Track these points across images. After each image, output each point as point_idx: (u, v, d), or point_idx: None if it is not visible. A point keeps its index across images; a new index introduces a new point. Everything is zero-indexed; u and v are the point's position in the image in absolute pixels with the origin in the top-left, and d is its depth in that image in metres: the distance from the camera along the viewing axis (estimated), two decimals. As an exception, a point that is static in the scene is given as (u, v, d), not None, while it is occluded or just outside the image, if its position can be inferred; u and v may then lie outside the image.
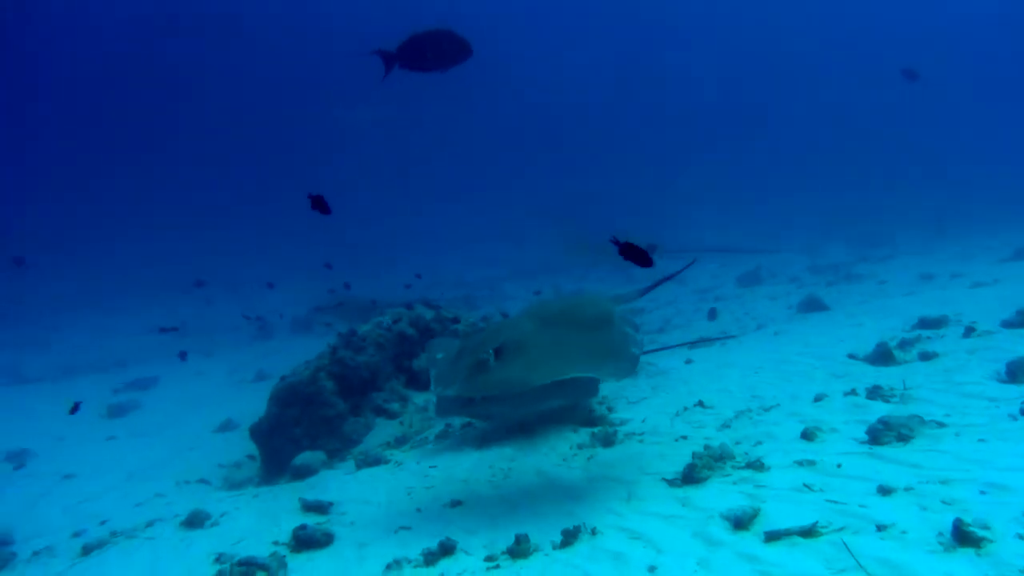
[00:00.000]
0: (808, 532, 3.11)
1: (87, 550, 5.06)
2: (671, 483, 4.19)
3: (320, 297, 16.34)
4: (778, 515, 3.39)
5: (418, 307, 7.70)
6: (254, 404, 9.58)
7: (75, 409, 5.07)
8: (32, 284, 21.55)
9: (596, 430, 5.47)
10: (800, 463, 4.04)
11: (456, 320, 7.68)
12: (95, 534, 5.50)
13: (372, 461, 6.03)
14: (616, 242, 4.00)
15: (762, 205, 29.90)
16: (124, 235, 31.81)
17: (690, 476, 4.13)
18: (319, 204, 4.53)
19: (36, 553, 5.38)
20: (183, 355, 10.50)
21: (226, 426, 8.79)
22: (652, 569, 3.16)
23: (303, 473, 6.22)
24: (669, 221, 23.75)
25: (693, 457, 4.26)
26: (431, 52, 5.63)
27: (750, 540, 3.21)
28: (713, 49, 57.30)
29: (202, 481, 7.03)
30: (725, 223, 25.98)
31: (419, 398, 7.05)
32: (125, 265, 25.71)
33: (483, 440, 5.79)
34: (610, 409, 5.87)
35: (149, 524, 5.43)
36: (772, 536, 3.15)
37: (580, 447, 5.29)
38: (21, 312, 19.30)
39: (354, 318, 15.41)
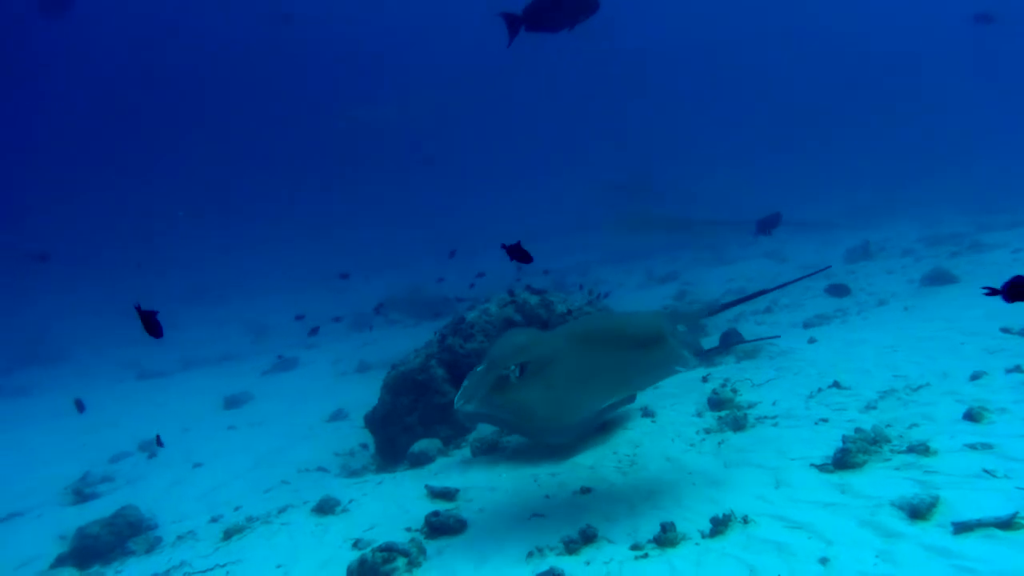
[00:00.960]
0: (1007, 524, 2.79)
1: (228, 535, 5.28)
2: (821, 468, 3.91)
3: (397, 290, 16.68)
4: (962, 504, 3.08)
5: (522, 293, 7.62)
6: (360, 393, 9.84)
7: (159, 442, 5.27)
8: (150, 281, 23.11)
9: (723, 414, 5.22)
10: (973, 447, 3.67)
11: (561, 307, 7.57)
12: (232, 519, 5.75)
13: (488, 448, 6.03)
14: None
15: (854, 178, 28.26)
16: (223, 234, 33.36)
17: (844, 461, 3.84)
18: (517, 253, 4.48)
19: (180, 537, 5.67)
20: (314, 331, 10.68)
21: (337, 415, 9.03)
22: (824, 561, 2.93)
23: (421, 460, 6.29)
24: (758, 196, 22.76)
25: (844, 441, 3.97)
26: (558, 9, 5.43)
27: (935, 532, 2.93)
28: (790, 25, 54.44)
29: (321, 469, 7.23)
30: (817, 197, 24.69)
31: (529, 384, 6.98)
32: (231, 263, 27.01)
33: (603, 428, 5.65)
34: (735, 391, 5.59)
35: (282, 510, 5.61)
36: (962, 528, 2.85)
37: (708, 431, 5.06)
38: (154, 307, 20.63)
39: (422, 313, 15.56)
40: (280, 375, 12.48)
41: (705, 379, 6.25)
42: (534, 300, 7.43)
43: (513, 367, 3.93)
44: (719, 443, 4.81)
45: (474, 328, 7.15)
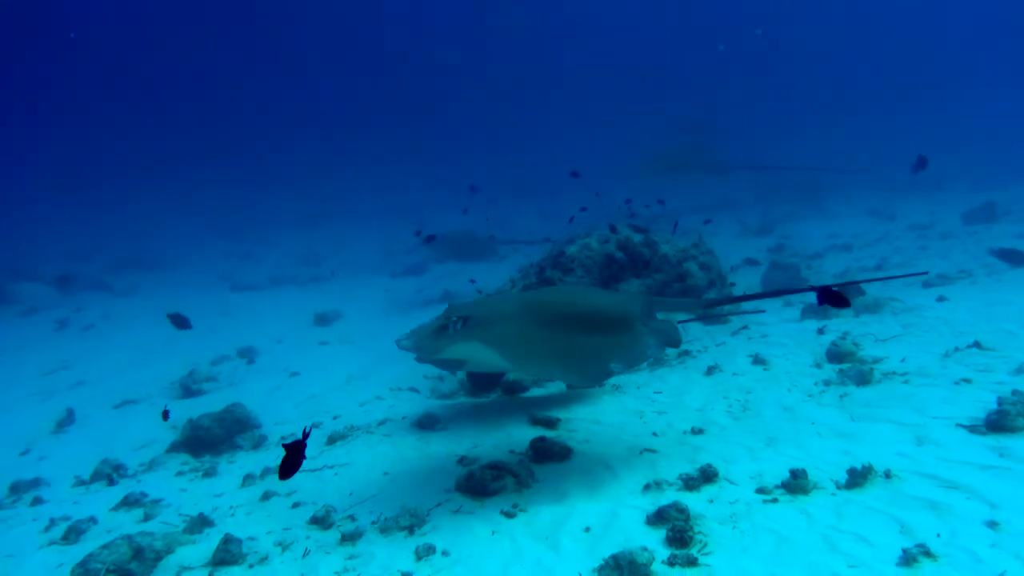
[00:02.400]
0: None
1: (332, 440, 5.44)
2: (971, 429, 3.61)
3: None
4: None
5: (625, 229, 7.37)
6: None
7: (166, 416, 5.31)
8: (254, 205, 24.01)
9: (845, 367, 4.92)
10: None
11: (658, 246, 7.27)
12: (332, 426, 5.92)
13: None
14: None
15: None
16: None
17: (1000, 424, 3.53)
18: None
19: (284, 438, 5.89)
20: (430, 238, 10.56)
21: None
22: (993, 525, 2.69)
23: (515, 389, 6.26)
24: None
25: (1000, 403, 3.63)
26: None
27: None
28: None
29: (412, 389, 7.32)
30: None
31: (627, 322, 6.80)
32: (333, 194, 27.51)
33: (708, 369, 5.44)
34: (856, 345, 5.25)
35: (381, 423, 5.73)
36: None
37: (827, 383, 4.78)
38: (246, 227, 21.52)
39: (465, 251, 15.34)
40: (368, 299, 12.72)
41: (821, 331, 5.91)
42: (637, 238, 7.18)
43: (455, 318, 3.95)
44: (841, 396, 4.53)
45: (574, 262, 6.99)
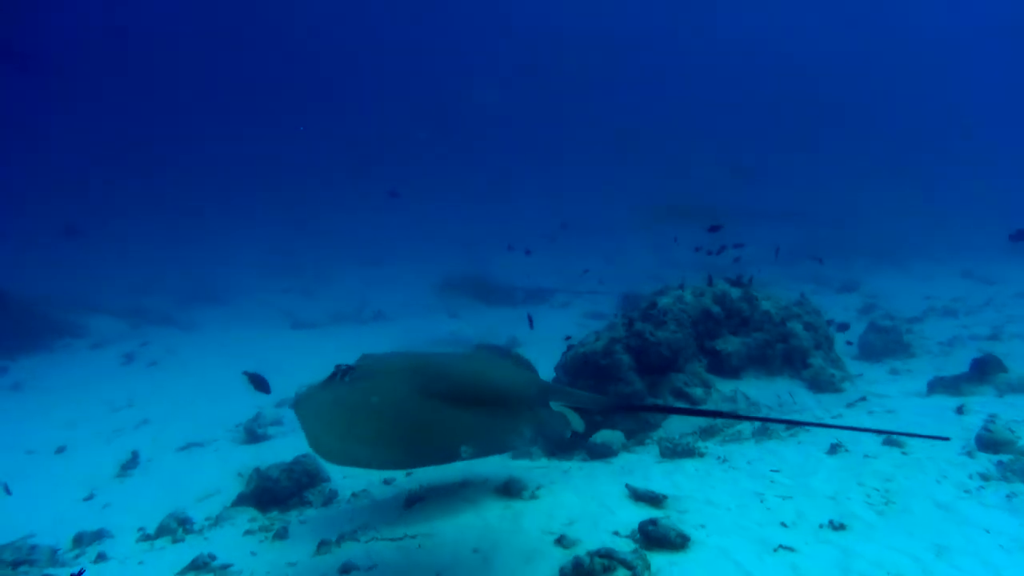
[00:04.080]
0: None
1: (409, 502, 5.00)
2: None
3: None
4: None
5: (721, 282, 6.86)
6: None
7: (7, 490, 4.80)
8: (311, 243, 24.36)
9: (1006, 459, 4.25)
10: None
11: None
12: (407, 484, 5.49)
13: (683, 452, 5.37)
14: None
15: None
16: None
17: None
18: None
19: (355, 495, 5.48)
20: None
21: (495, 389, 8.69)
22: None
23: (602, 452, 5.75)
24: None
25: None
26: None
27: None
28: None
29: (485, 443, 6.88)
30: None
31: (725, 385, 6.24)
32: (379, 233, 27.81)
33: (832, 448, 4.83)
34: (1012, 431, 4.57)
35: (461, 485, 5.28)
36: None
37: (985, 478, 4.13)
38: (301, 264, 21.76)
39: (469, 294, 14.87)
40: (428, 343, 12.42)
41: (960, 410, 5.23)
42: (735, 293, 6.66)
43: (344, 368, 3.69)
44: (1008, 496, 3.88)
45: (667, 315, 6.49)
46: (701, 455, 5.24)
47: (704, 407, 6.09)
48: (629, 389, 6.22)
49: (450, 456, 3.18)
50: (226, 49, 48.12)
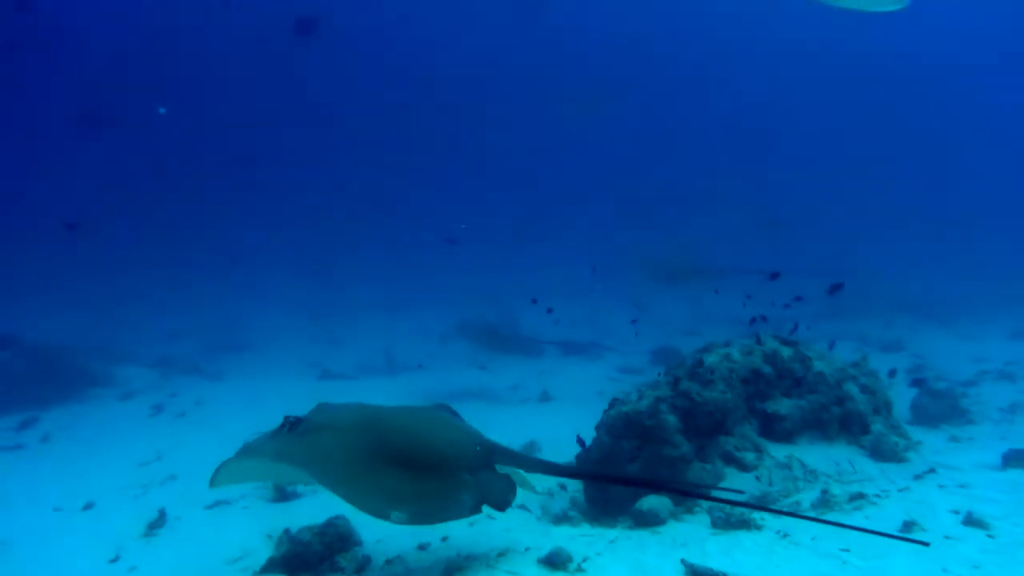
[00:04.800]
0: None
1: (448, 571, 4.73)
2: None
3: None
4: None
5: (770, 340, 6.61)
6: (547, 427, 9.23)
7: None
8: (336, 288, 24.47)
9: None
10: None
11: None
12: (444, 552, 5.22)
13: (737, 523, 5.04)
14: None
15: None
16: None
17: None
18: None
19: (389, 561, 5.22)
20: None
21: (530, 448, 8.43)
22: None
23: (649, 520, 5.43)
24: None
25: None
26: None
27: None
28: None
29: (522, 507, 6.57)
30: None
31: (778, 451, 5.92)
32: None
33: (905, 525, 4.48)
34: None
35: (501, 554, 4.99)
36: None
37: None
38: (326, 311, 21.82)
39: (493, 346, 14.38)
40: (455, 399, 12.18)
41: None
42: (787, 352, 6.39)
43: (293, 419, 3.71)
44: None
45: (714, 374, 6.23)
46: (758, 527, 4.92)
47: (757, 472, 5.76)
48: (676, 452, 5.92)
49: (380, 517, 3.27)
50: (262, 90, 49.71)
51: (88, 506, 6.84)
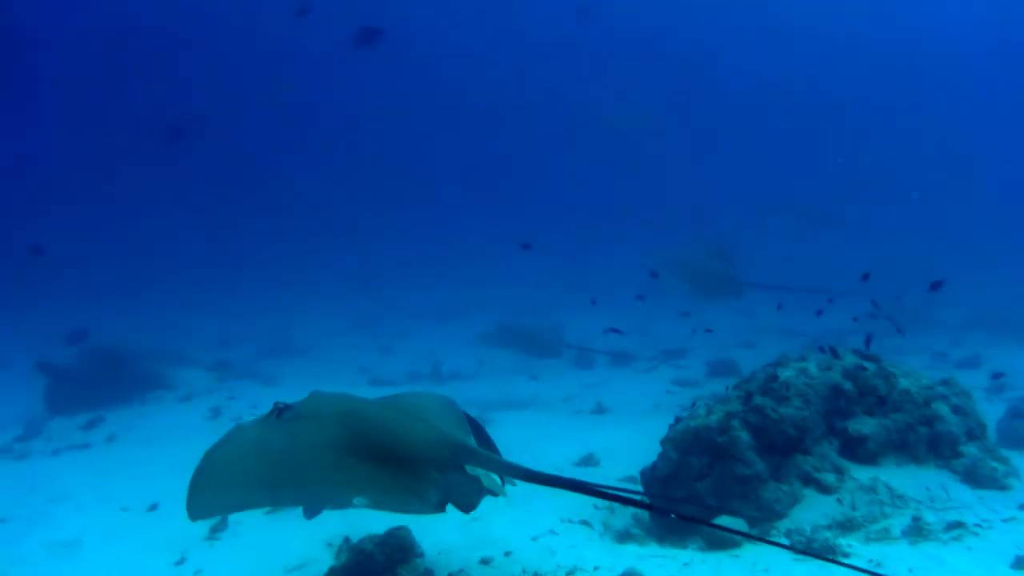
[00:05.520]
0: None
1: (517, 591, 4.58)
2: None
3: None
4: None
5: (848, 355, 6.26)
6: (604, 440, 8.99)
7: None
8: (389, 297, 24.69)
9: None
10: None
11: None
12: (508, 569, 5.07)
13: (822, 549, 4.75)
14: None
15: None
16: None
17: None
18: None
19: (452, 575, 5.10)
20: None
21: (588, 460, 8.20)
22: None
23: (724, 543, 5.18)
24: None
25: None
26: None
27: None
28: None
29: (584, 523, 6.37)
30: None
31: (861, 473, 5.57)
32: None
33: (1017, 561, 4.12)
34: None
35: (570, 573, 4.81)
36: None
37: None
38: (376, 319, 22.00)
39: (540, 353, 13.49)
40: (506, 408, 12.02)
41: None
42: (870, 368, 6.03)
43: (282, 406, 3.81)
44: None
45: (790, 390, 5.92)
46: (845, 555, 4.61)
47: (839, 495, 5.43)
48: (749, 471, 5.64)
49: (342, 504, 3.40)
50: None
51: (153, 507, 6.92)
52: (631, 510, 6.73)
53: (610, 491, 3.56)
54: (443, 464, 3.53)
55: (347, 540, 5.74)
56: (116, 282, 28.76)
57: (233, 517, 6.55)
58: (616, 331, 10.56)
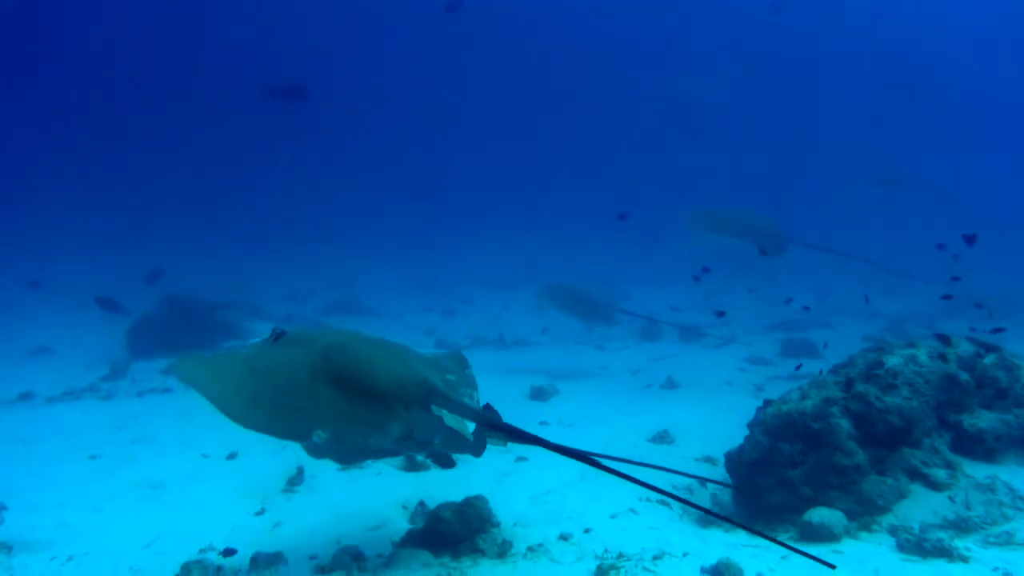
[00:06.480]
0: None
1: (602, 572, 4.40)
2: None
3: None
4: None
5: (963, 342, 5.76)
6: (679, 417, 8.69)
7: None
8: (445, 260, 24.78)
9: None
10: None
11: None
12: (590, 547, 4.90)
13: (934, 551, 4.39)
14: None
15: None
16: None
17: None
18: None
19: (531, 549, 4.94)
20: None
21: (663, 437, 7.94)
22: None
23: (819, 535, 4.87)
24: None
25: None
26: None
27: None
28: None
29: (662, 503, 6.15)
30: None
31: (976, 470, 5.14)
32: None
33: None
34: None
35: (657, 557, 4.61)
36: None
37: None
38: (440, 282, 22.10)
39: (578, 309, 12.58)
40: (577, 376, 11.82)
41: None
42: (989, 358, 5.53)
43: (279, 331, 3.90)
44: None
45: (897, 379, 5.49)
46: (963, 559, 4.24)
47: (950, 493, 5.03)
48: (849, 462, 5.28)
49: (302, 436, 3.38)
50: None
51: (232, 456, 7.05)
52: (709, 491, 6.50)
53: (597, 458, 3.81)
54: (410, 401, 3.67)
55: (422, 504, 5.69)
56: (195, 229, 29.79)
57: (308, 471, 6.60)
58: (721, 314, 10.12)
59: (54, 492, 6.06)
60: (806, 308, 12.32)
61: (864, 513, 5.09)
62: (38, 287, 18.87)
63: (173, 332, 12.95)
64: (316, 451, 3.74)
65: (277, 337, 3.87)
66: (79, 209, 32.46)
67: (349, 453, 4.09)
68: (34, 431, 8.16)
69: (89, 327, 15.30)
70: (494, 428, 3.93)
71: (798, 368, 9.14)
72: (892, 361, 5.62)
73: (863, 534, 4.89)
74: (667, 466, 7.05)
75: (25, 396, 10.18)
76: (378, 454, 3.97)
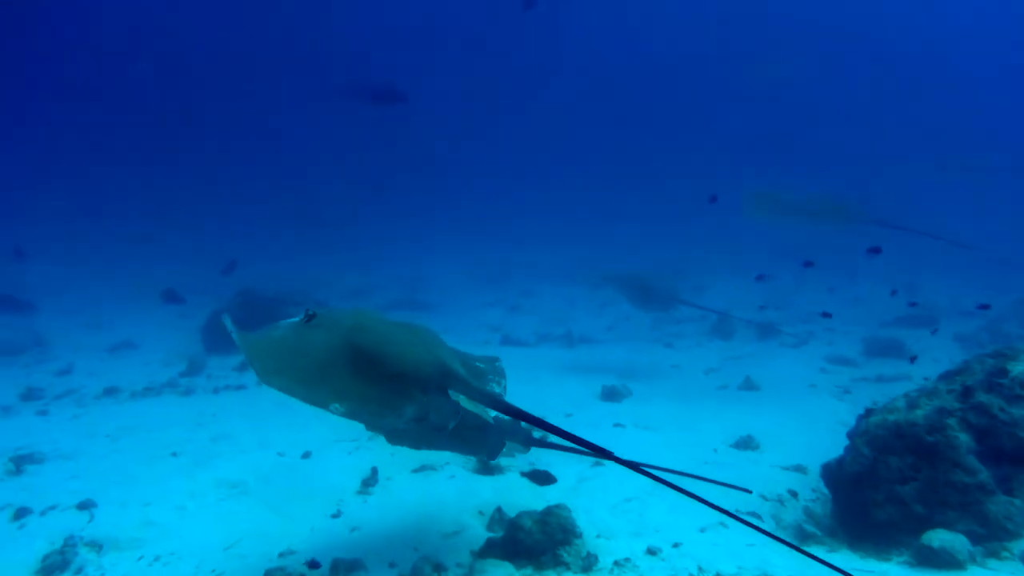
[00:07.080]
0: None
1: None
2: None
3: None
4: None
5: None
6: (762, 421, 8.25)
7: None
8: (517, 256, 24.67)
9: None
10: None
11: None
12: (682, 564, 4.59)
13: (1081, 584, 3.90)
14: None
15: None
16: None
17: None
18: None
19: (618, 564, 4.67)
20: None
21: (747, 443, 7.52)
22: None
23: (941, 560, 4.42)
24: None
25: None
26: None
27: None
28: None
29: (752, 513, 5.77)
30: None
31: (1123, 493, 4.57)
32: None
33: None
34: None
35: (749, 578, 4.27)
36: None
37: None
38: (506, 277, 22.00)
39: (642, 299, 11.74)
40: (651, 373, 11.43)
41: None
42: None
43: (312, 312, 4.05)
44: None
45: (1025, 388, 4.94)
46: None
47: (1090, 520, 4.48)
48: (971, 480, 4.80)
49: (321, 405, 3.52)
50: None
51: (306, 455, 7.04)
52: (801, 503, 6.11)
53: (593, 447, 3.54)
54: (427, 384, 3.72)
55: (499, 511, 5.50)
56: (263, 231, 30.64)
57: (383, 472, 6.51)
58: (827, 315, 9.53)
59: (140, 490, 6.17)
60: (912, 304, 11.51)
61: (990, 537, 4.61)
62: (21, 256, 19.63)
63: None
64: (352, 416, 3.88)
65: (310, 318, 4.01)
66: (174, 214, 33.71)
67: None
68: (119, 427, 8.40)
69: (166, 321, 15.85)
70: (511, 415, 3.78)
71: (912, 360, 8.64)
72: (1018, 368, 5.07)
73: (991, 561, 4.43)
74: (755, 474, 6.79)
75: (110, 391, 10.54)
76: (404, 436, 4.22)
